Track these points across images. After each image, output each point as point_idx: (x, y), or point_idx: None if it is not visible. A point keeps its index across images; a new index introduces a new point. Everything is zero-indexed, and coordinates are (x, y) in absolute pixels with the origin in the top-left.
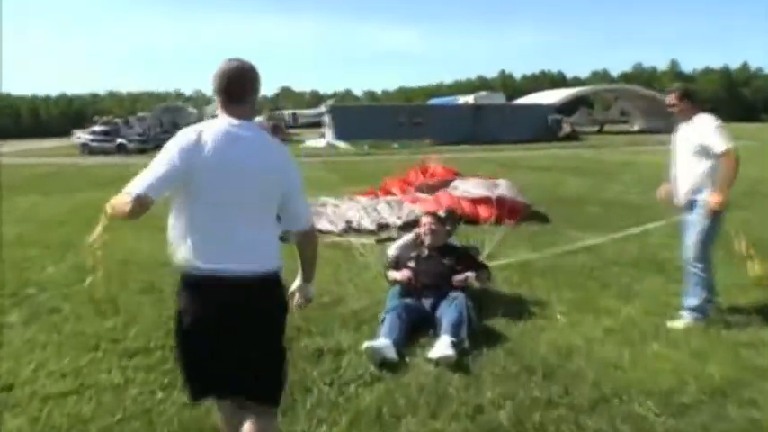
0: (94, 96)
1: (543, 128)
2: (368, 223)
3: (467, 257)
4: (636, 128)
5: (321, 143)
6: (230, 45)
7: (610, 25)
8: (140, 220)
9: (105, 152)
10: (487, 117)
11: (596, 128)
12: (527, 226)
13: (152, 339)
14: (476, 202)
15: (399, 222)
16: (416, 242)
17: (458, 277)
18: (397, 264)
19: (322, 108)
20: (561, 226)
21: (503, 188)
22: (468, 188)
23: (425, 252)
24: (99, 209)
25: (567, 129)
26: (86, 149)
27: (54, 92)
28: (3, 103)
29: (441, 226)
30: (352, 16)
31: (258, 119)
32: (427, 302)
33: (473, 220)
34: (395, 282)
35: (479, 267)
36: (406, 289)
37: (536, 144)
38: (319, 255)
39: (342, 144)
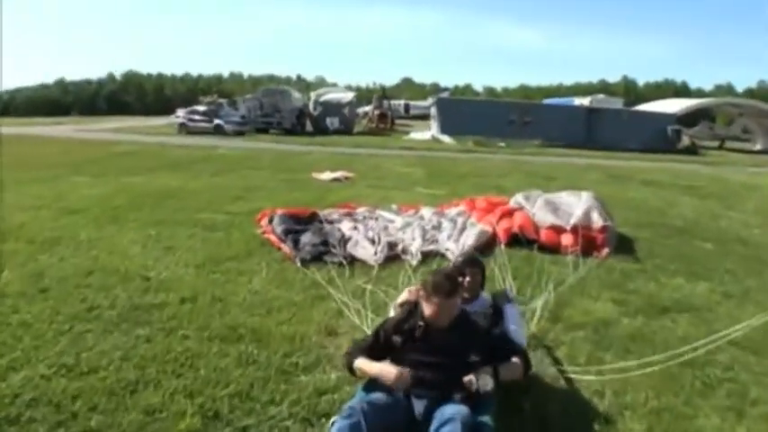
0: (218, 77)
1: (661, 138)
2: (418, 245)
3: (492, 339)
4: (758, 147)
5: (426, 135)
6: (352, 34)
7: (736, 40)
8: None
9: (203, 132)
10: (602, 121)
11: (717, 143)
12: (617, 261)
13: None
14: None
15: (454, 252)
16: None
17: (466, 378)
18: (376, 344)
19: (430, 100)
20: (663, 267)
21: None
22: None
23: (422, 327)
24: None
25: (686, 141)
26: (184, 129)
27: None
28: (129, 81)
29: (446, 298)
30: (477, 11)
31: (365, 108)
32: (420, 405)
33: (550, 248)
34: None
35: (508, 354)
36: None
37: (652, 155)
38: None
39: (446, 138)
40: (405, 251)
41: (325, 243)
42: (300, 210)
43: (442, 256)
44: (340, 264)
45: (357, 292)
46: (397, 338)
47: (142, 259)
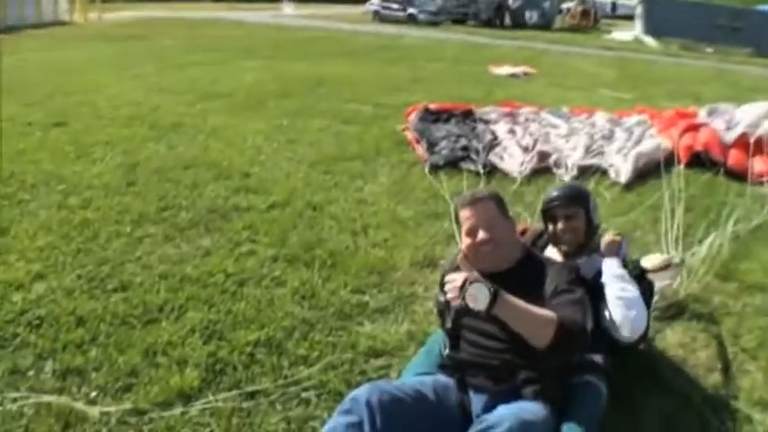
0: None
1: None
2: (577, 157)
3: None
4: None
5: (628, 36)
6: None
7: None
8: None
9: (397, 21)
10: None
11: None
12: None
13: None
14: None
15: (619, 170)
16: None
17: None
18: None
19: None
20: None
21: None
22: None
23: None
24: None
25: None
26: (377, 17)
27: None
28: None
29: (471, 206)
30: None
31: (567, 4)
32: (478, 401)
33: (740, 173)
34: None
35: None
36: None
37: None
38: None
39: (650, 40)
40: (558, 164)
41: (465, 148)
42: (455, 105)
43: (604, 173)
44: (477, 173)
45: None
46: (441, 296)
47: (254, 153)
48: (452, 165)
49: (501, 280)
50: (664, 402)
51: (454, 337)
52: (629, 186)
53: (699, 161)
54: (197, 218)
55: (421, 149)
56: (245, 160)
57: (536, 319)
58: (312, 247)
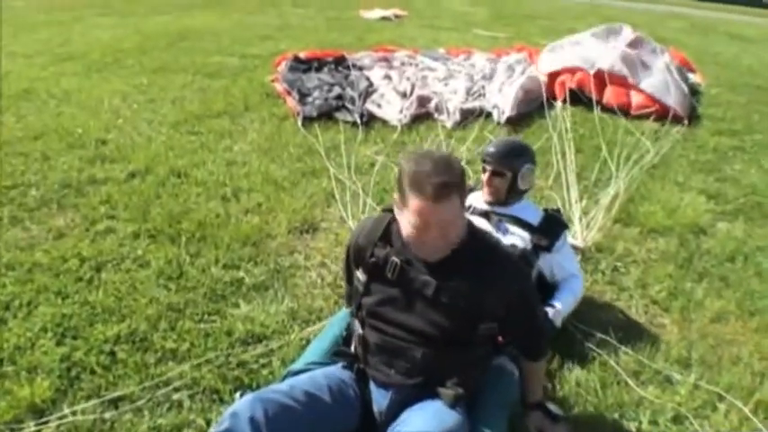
0: None
1: None
2: (458, 101)
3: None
4: None
5: None
6: None
7: None
8: None
9: None
10: None
11: None
12: (707, 132)
13: None
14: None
15: (502, 109)
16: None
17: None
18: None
19: None
20: (765, 145)
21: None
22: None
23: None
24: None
25: None
26: None
27: None
28: None
29: (434, 202)
30: None
31: None
32: (381, 398)
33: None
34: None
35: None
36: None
37: (738, 6)
38: None
39: None
40: (439, 109)
41: (340, 97)
42: (327, 52)
43: (488, 116)
44: (354, 123)
45: (364, 165)
46: (360, 274)
47: (111, 116)
48: (327, 116)
49: (440, 266)
50: (580, 373)
51: (363, 320)
52: (514, 129)
53: (575, 97)
54: (48, 195)
55: (292, 101)
56: (101, 126)
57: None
58: (177, 219)
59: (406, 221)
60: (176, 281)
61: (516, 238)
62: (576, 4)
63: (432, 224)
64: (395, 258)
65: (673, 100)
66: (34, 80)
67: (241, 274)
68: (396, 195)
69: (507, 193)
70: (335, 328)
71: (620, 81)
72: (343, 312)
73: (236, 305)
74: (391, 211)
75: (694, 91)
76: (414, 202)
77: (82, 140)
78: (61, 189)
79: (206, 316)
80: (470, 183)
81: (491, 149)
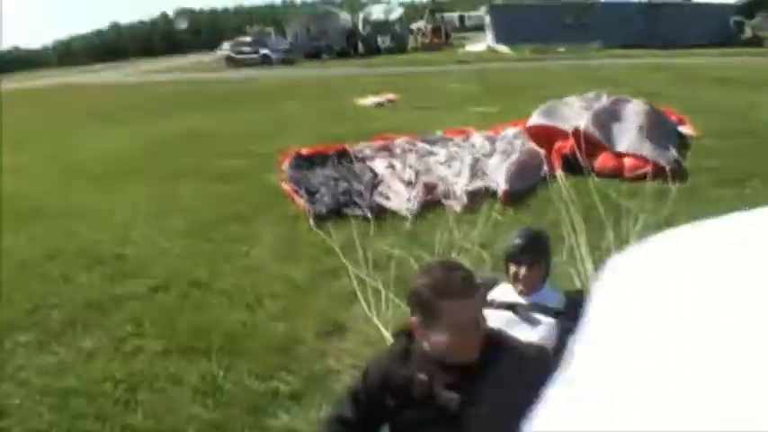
0: (271, 6)
1: (724, 31)
2: (463, 183)
3: None
4: None
5: (481, 47)
6: None
7: None
8: None
9: (250, 64)
10: (664, 17)
11: None
12: (706, 183)
13: None
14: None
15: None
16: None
17: None
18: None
19: (483, 9)
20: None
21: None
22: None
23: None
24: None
25: (748, 33)
26: (231, 62)
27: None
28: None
29: (462, 299)
30: None
31: (416, 24)
32: None
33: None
34: None
35: None
36: None
37: (716, 49)
38: None
39: (503, 48)
40: (446, 194)
41: (347, 192)
42: (328, 147)
43: (494, 195)
44: (365, 217)
45: (382, 260)
46: (389, 400)
47: (125, 230)
48: (337, 212)
49: (468, 372)
50: None
51: None
52: (521, 206)
53: (570, 166)
54: (72, 316)
55: (301, 200)
56: (116, 240)
57: None
58: (205, 331)
59: (440, 335)
60: (212, 396)
61: (544, 328)
62: (559, 69)
63: (468, 322)
64: (420, 376)
65: (649, 153)
66: (43, 197)
67: (276, 383)
68: (414, 319)
69: (542, 278)
70: None
71: (598, 143)
72: None
73: (275, 416)
74: (403, 334)
75: (685, 144)
76: (445, 308)
77: (99, 257)
78: (84, 309)
79: (247, 430)
80: (493, 275)
81: (521, 243)
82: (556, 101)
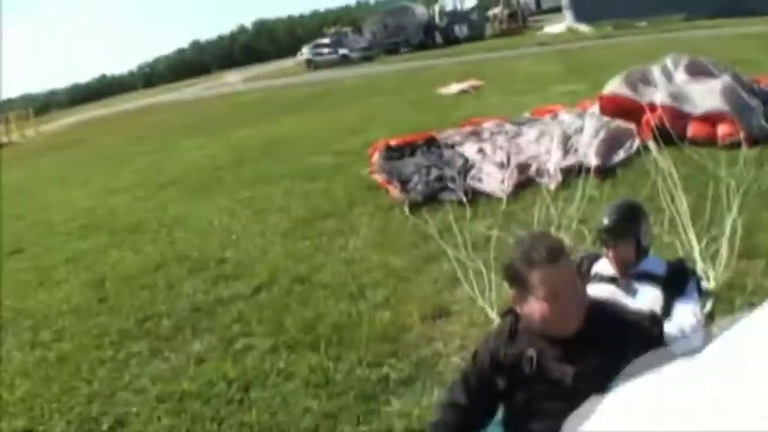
0: (346, 8)
1: None
2: (556, 160)
3: None
4: None
5: (561, 28)
6: None
7: None
8: None
9: (331, 65)
10: None
11: None
12: None
13: None
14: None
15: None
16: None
17: None
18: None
19: None
20: None
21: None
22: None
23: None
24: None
25: None
26: (312, 65)
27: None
28: (260, 28)
29: (551, 264)
30: None
31: (493, 10)
32: None
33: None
34: None
35: None
36: None
37: None
38: None
39: (582, 27)
40: (540, 173)
41: (440, 178)
42: (416, 136)
43: (588, 171)
44: (460, 202)
45: (480, 242)
46: (500, 380)
47: (224, 234)
48: (432, 199)
49: (569, 343)
50: None
51: (515, 422)
52: (616, 180)
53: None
54: (180, 322)
55: (395, 190)
56: (217, 245)
57: None
58: (312, 325)
59: (536, 305)
60: (324, 388)
61: (646, 297)
62: (643, 43)
63: (559, 289)
64: (529, 352)
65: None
66: (140, 212)
67: (386, 370)
68: (513, 293)
69: (635, 257)
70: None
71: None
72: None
73: (388, 403)
74: (510, 312)
75: None
76: (534, 276)
77: (201, 263)
78: (192, 314)
79: (362, 417)
80: (592, 250)
81: (606, 224)
82: (632, 70)
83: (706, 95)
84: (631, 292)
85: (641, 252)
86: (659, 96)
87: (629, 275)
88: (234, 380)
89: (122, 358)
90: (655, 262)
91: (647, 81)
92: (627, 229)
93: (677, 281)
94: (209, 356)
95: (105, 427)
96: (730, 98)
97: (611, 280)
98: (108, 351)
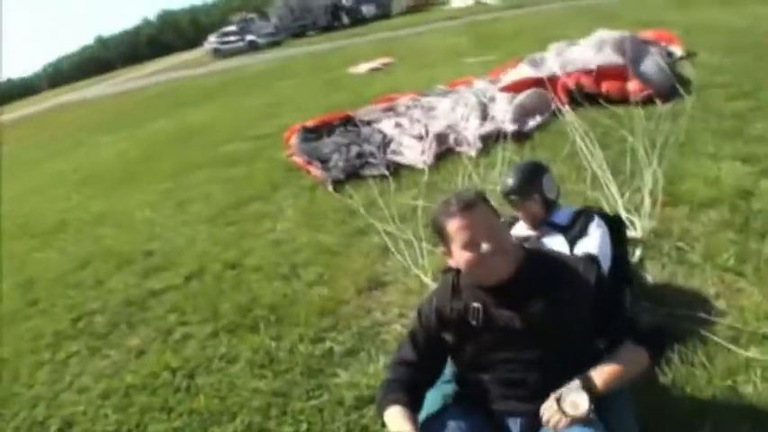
0: None
1: None
2: (474, 127)
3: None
4: None
5: (467, 1)
6: None
7: None
8: None
9: (239, 53)
10: None
11: None
12: (719, 98)
13: None
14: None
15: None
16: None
17: (543, 406)
18: (418, 354)
19: None
20: None
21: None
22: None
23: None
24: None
25: None
26: (219, 54)
27: None
28: (164, 20)
29: (467, 211)
30: None
31: None
32: (514, 426)
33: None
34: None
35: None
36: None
37: None
38: None
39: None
40: (459, 142)
41: (360, 155)
42: (332, 115)
43: (506, 137)
44: (382, 176)
45: (407, 214)
46: (447, 335)
47: (148, 227)
48: (354, 175)
49: (510, 290)
50: (684, 352)
51: (466, 373)
52: (536, 142)
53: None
54: (115, 317)
55: (316, 170)
56: (142, 238)
57: (631, 371)
58: (248, 308)
59: (459, 255)
60: (270, 367)
61: (551, 247)
62: (556, 10)
63: (475, 236)
64: (474, 304)
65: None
66: (62, 212)
67: (328, 344)
68: (442, 249)
69: (543, 212)
70: (437, 393)
71: (615, 71)
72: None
73: (336, 375)
74: (449, 270)
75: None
76: (450, 226)
77: (128, 257)
78: (125, 309)
79: (312, 392)
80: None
81: (510, 184)
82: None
83: (597, 50)
84: (540, 245)
85: (549, 206)
86: (556, 66)
87: (542, 231)
88: (177, 369)
89: (61, 359)
90: (562, 213)
91: (542, 61)
92: (529, 186)
93: (579, 225)
94: (149, 348)
95: (53, 429)
96: (623, 49)
97: (526, 239)
98: (45, 353)
